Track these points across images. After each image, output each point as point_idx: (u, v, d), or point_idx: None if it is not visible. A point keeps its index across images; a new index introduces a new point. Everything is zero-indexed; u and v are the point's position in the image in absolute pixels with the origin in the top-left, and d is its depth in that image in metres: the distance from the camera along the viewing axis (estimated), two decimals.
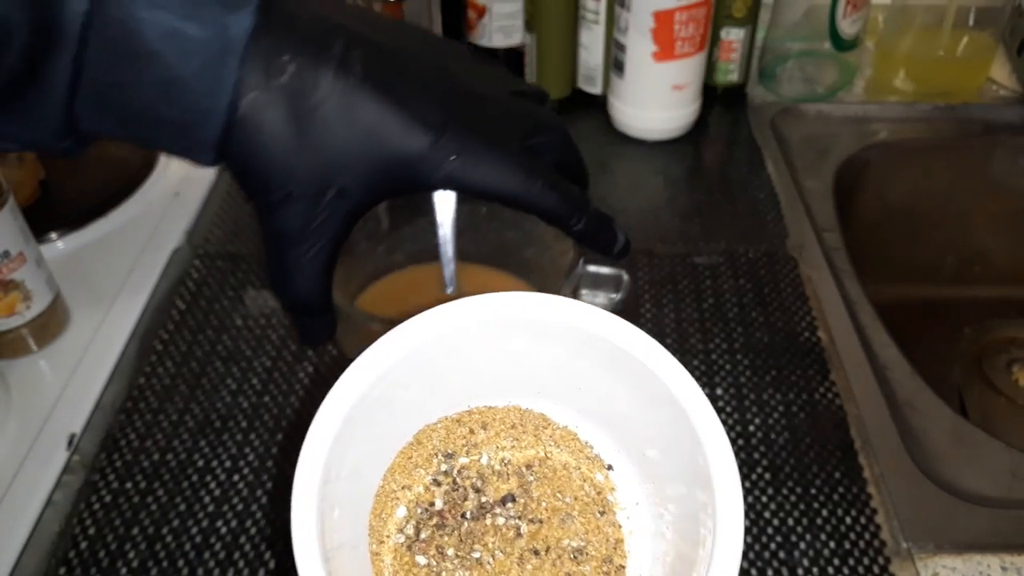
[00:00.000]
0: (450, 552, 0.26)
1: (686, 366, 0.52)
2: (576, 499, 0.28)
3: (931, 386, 0.51)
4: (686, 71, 0.69)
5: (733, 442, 0.47)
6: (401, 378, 0.26)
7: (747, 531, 0.42)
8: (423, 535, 0.27)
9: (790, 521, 0.43)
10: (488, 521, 0.27)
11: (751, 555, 0.42)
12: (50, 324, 0.53)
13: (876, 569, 0.41)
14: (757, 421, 0.48)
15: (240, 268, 0.59)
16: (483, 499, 0.28)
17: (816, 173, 0.70)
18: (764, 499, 0.44)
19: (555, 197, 0.32)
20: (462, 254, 0.41)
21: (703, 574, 0.23)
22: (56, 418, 0.49)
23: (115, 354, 0.52)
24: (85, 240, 0.61)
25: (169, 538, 0.43)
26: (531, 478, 0.28)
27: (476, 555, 0.26)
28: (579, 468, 0.29)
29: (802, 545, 0.42)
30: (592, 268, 0.40)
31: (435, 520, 0.27)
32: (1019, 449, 0.47)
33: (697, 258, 0.60)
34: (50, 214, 0.62)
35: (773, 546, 0.42)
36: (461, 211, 0.43)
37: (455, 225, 0.41)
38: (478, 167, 0.30)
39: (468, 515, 0.27)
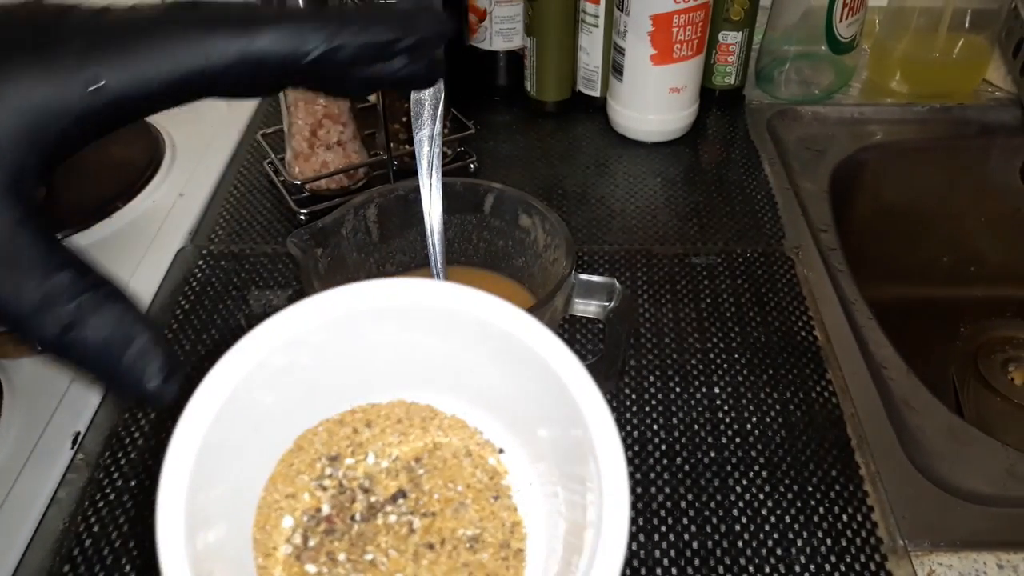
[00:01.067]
0: (341, 557, 0.26)
1: (684, 365, 0.52)
2: (468, 487, 0.27)
3: (927, 385, 0.51)
4: (684, 74, 0.69)
5: (731, 440, 0.47)
6: (270, 381, 0.25)
7: (744, 529, 0.43)
8: (312, 543, 0.26)
9: (787, 519, 0.43)
10: (379, 521, 0.26)
11: (748, 552, 0.42)
12: None
13: (872, 567, 0.41)
14: (754, 420, 0.49)
15: (244, 268, 0.59)
16: (372, 499, 0.27)
17: (813, 174, 0.70)
18: (761, 497, 0.44)
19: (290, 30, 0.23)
20: (454, 261, 0.41)
21: (593, 543, 0.23)
22: (60, 416, 0.49)
23: None
24: (89, 240, 0.62)
25: None
26: (421, 471, 0.27)
27: (369, 557, 0.26)
28: (470, 455, 0.28)
29: (799, 543, 0.42)
30: (584, 276, 0.40)
31: (323, 526, 0.26)
32: (1015, 447, 0.47)
33: (695, 258, 0.60)
34: (55, 215, 0.62)
35: (770, 543, 0.42)
36: (451, 221, 0.44)
37: (444, 235, 0.41)
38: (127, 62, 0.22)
39: (358, 517, 0.26)
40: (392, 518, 0.27)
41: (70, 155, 0.23)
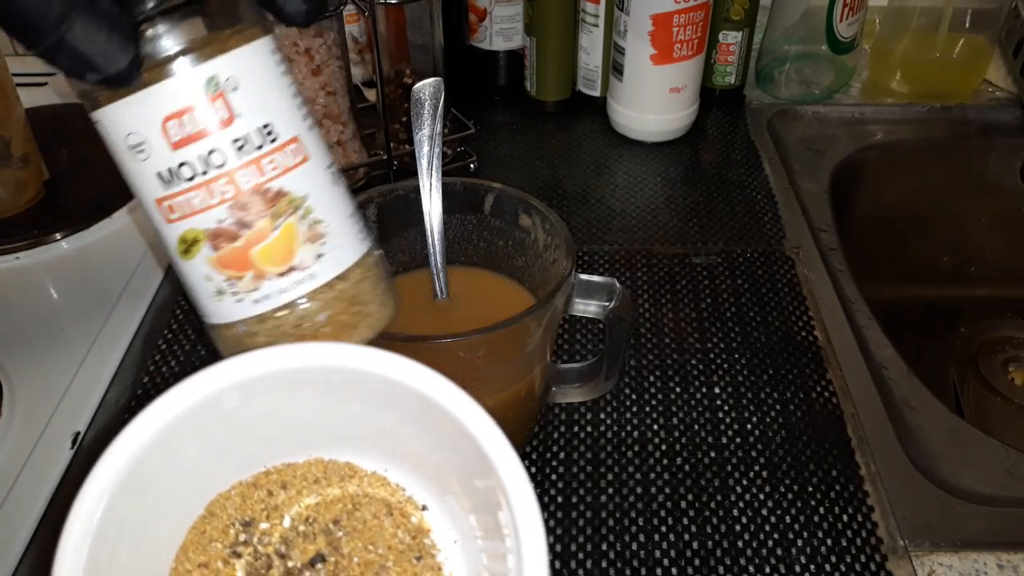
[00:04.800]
0: None
1: (684, 365, 0.52)
2: (390, 548, 0.26)
3: (927, 385, 0.51)
4: (684, 74, 0.69)
5: (731, 440, 0.47)
6: (176, 447, 0.24)
7: (744, 529, 0.43)
8: None
9: (787, 519, 0.43)
10: None
11: (748, 552, 0.42)
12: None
13: (873, 567, 0.41)
14: (754, 420, 0.49)
15: None
16: (289, 564, 0.26)
17: (813, 174, 0.70)
18: (761, 497, 0.44)
19: None
20: (454, 261, 0.41)
21: None
22: (60, 416, 0.49)
23: (119, 352, 0.53)
24: (90, 240, 0.62)
25: None
26: (340, 534, 0.26)
27: None
28: (391, 514, 0.27)
29: (799, 543, 0.42)
30: (584, 276, 0.40)
31: None
32: (1015, 447, 0.47)
33: (695, 258, 0.60)
34: (55, 215, 0.62)
35: (771, 543, 0.42)
36: (451, 221, 0.44)
37: (444, 235, 0.41)
38: None
39: None
40: None
41: None
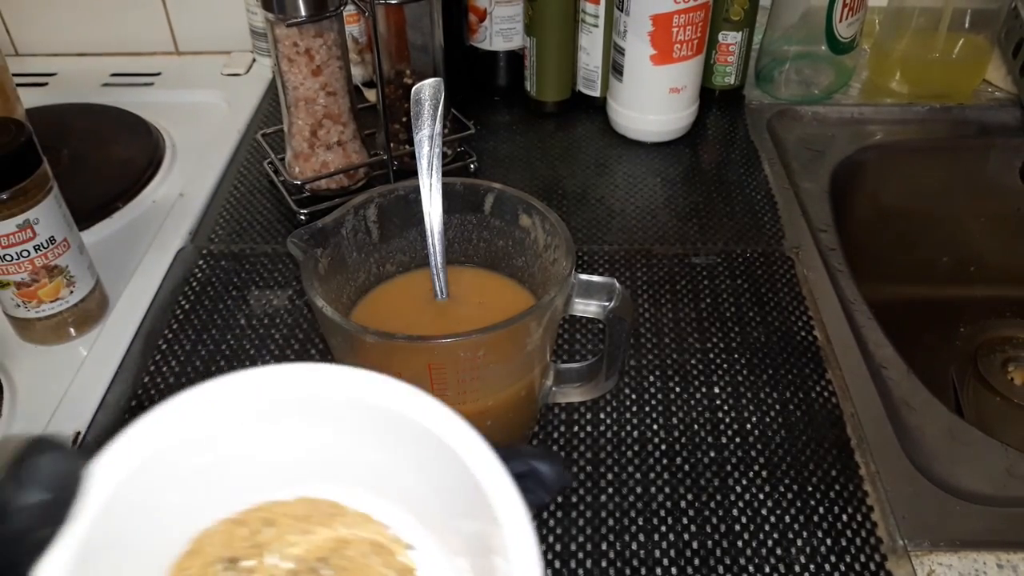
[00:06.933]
0: None
1: (684, 365, 0.52)
2: None
3: (927, 385, 0.51)
4: (684, 74, 0.69)
5: (731, 440, 0.47)
6: (157, 480, 0.23)
7: (744, 529, 0.43)
8: None
9: (787, 519, 0.44)
10: None
11: (748, 552, 0.42)
12: (91, 311, 0.54)
13: (872, 566, 0.41)
14: (754, 420, 0.49)
15: (244, 268, 0.59)
16: None
17: (812, 174, 0.70)
18: (761, 496, 0.44)
19: None
20: (454, 261, 0.41)
21: None
22: (61, 416, 0.49)
23: (120, 353, 0.53)
24: (90, 240, 0.61)
25: None
26: (327, 572, 0.25)
27: None
28: (379, 553, 0.26)
29: (799, 542, 0.42)
30: (584, 276, 0.40)
31: None
32: (1014, 447, 0.47)
33: (695, 258, 0.60)
34: None
35: (770, 543, 0.42)
36: (451, 221, 0.44)
37: (444, 235, 0.41)
38: None
39: None
40: None
41: None
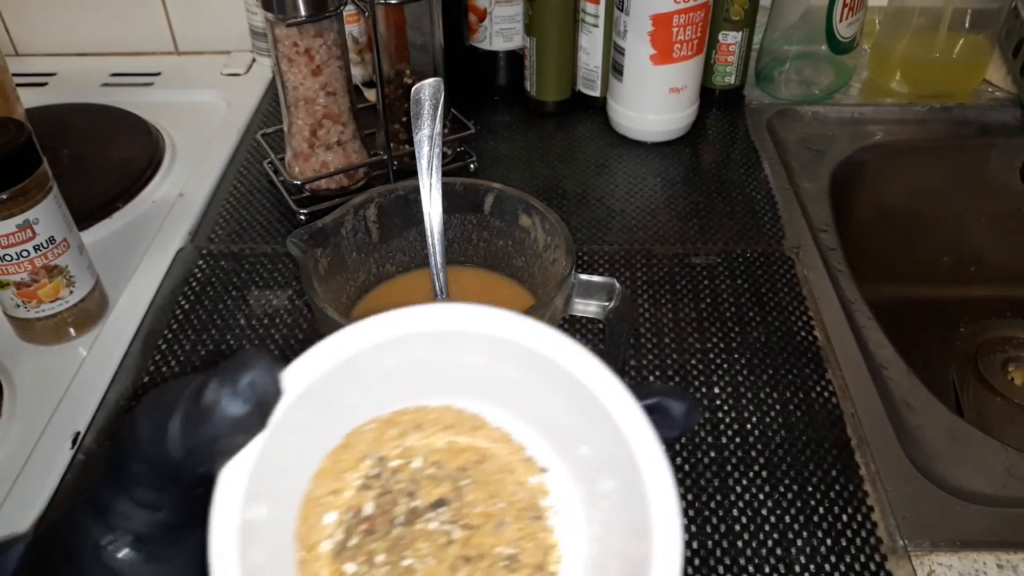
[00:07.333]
0: (380, 559, 0.25)
1: (684, 365, 0.52)
2: (510, 504, 0.27)
3: (927, 385, 0.51)
4: (684, 74, 0.69)
5: (731, 440, 0.47)
6: (335, 383, 0.25)
7: (744, 529, 0.43)
8: (352, 542, 0.26)
9: (787, 519, 0.43)
10: (419, 527, 0.26)
11: (748, 552, 0.42)
12: (91, 311, 0.54)
13: (872, 566, 0.41)
14: (754, 420, 0.49)
15: (244, 268, 0.59)
16: (414, 503, 0.26)
17: (813, 174, 0.70)
18: (761, 496, 0.44)
19: None
20: (454, 261, 0.41)
21: (646, 570, 0.23)
22: (60, 416, 0.49)
23: (119, 353, 0.53)
24: (90, 240, 0.61)
25: None
26: (464, 482, 0.27)
27: (407, 562, 0.26)
28: (513, 472, 0.28)
29: (799, 542, 0.42)
30: (584, 276, 0.40)
31: (365, 526, 0.26)
32: (1015, 447, 0.47)
33: (695, 258, 0.60)
34: None
35: (770, 543, 0.42)
36: (451, 221, 0.44)
37: (444, 235, 0.41)
38: None
39: (399, 521, 0.26)
40: (432, 525, 0.26)
41: None
